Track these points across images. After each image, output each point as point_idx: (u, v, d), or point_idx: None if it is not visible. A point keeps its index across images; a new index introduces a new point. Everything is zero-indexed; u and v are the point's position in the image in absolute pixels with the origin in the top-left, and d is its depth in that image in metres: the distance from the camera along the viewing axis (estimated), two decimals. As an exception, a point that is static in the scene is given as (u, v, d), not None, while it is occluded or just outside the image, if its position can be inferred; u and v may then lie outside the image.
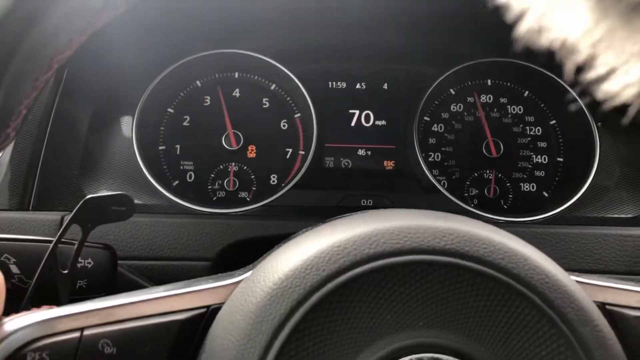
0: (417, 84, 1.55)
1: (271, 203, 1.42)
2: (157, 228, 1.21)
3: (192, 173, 1.52)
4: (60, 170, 1.33)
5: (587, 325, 0.57)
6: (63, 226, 0.80)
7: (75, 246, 0.83)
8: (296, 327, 0.54)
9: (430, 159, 1.57)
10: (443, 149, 1.58)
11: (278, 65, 1.51)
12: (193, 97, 1.56)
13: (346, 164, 1.56)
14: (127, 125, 1.44)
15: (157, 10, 1.32)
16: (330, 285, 0.56)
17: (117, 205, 0.85)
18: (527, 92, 1.60)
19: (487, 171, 1.56)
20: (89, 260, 0.93)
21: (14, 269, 0.87)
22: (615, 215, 1.42)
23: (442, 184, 1.54)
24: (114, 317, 0.60)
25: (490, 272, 0.57)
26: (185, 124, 1.54)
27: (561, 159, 1.56)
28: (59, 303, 0.80)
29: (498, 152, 1.55)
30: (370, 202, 1.49)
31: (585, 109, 1.49)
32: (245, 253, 0.89)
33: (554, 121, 1.58)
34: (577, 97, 1.50)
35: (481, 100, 1.60)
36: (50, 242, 0.80)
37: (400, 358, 0.55)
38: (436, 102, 1.59)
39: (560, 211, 1.42)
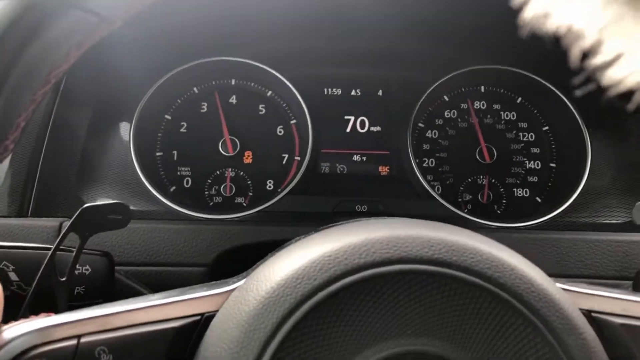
0: (411, 90, 1.56)
1: (267, 209, 1.43)
2: (154, 234, 1.22)
3: (189, 179, 1.54)
4: (58, 177, 1.34)
5: (572, 334, 0.58)
6: (61, 234, 0.81)
7: (74, 254, 0.84)
8: (288, 335, 0.56)
9: (424, 165, 1.58)
10: (437, 154, 1.59)
11: (274, 72, 1.53)
12: (190, 104, 1.57)
13: (341, 169, 1.57)
14: (125, 132, 1.46)
15: (154, 18, 1.33)
16: (321, 295, 0.57)
17: (114, 213, 0.86)
18: (520, 99, 1.62)
19: (481, 177, 1.57)
20: (87, 267, 0.94)
21: (13, 276, 0.88)
22: (607, 221, 1.43)
23: (436, 189, 1.55)
24: (110, 325, 0.61)
25: (477, 281, 0.58)
26: (182, 130, 1.56)
27: (554, 165, 1.58)
28: (57, 310, 0.81)
29: (491, 157, 1.56)
30: (364, 208, 1.50)
31: (576, 114, 1.51)
32: (241, 259, 0.90)
33: (546, 127, 1.60)
34: (567, 102, 1.52)
35: (475, 106, 1.61)
36: (48, 249, 0.81)
37: (390, 365, 0.57)
38: (430, 109, 1.61)
39: (553, 217, 1.43)
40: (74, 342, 0.59)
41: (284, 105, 1.58)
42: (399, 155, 1.56)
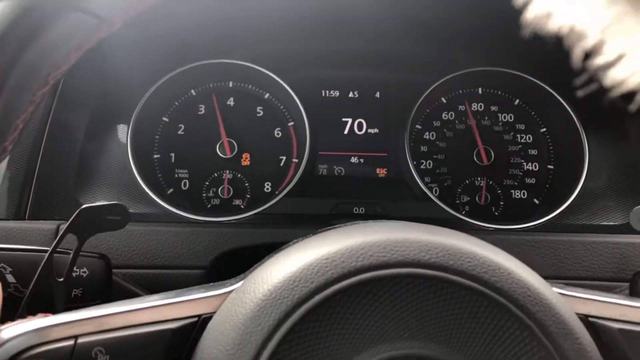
0: (409, 92, 1.57)
1: (265, 211, 1.43)
2: (152, 237, 1.22)
3: (187, 181, 1.54)
4: (56, 179, 1.34)
5: (568, 338, 0.58)
6: (59, 235, 0.81)
7: (71, 255, 0.84)
8: (284, 338, 0.56)
9: (422, 167, 1.58)
10: (435, 156, 1.59)
11: (271, 74, 1.53)
12: (188, 106, 1.57)
13: (339, 171, 1.57)
14: (122, 134, 1.46)
15: (152, 21, 1.33)
16: (318, 297, 0.57)
17: (112, 214, 0.86)
18: (517, 100, 1.62)
19: (479, 178, 1.58)
20: (84, 269, 0.94)
21: (10, 278, 0.88)
22: (604, 223, 1.43)
23: (433, 191, 1.55)
24: (108, 326, 0.61)
25: (474, 285, 0.58)
26: (180, 132, 1.56)
27: (551, 167, 1.58)
28: (54, 311, 0.81)
29: (489, 159, 1.57)
30: (362, 210, 1.51)
31: (574, 116, 1.51)
32: (239, 261, 0.90)
33: (544, 129, 1.60)
34: (565, 104, 1.52)
35: (472, 108, 1.62)
36: (46, 251, 0.81)
37: (386, 368, 0.57)
38: (428, 110, 1.61)
39: (550, 218, 1.44)
40: (71, 342, 0.59)
41: (282, 107, 1.58)
42: (397, 157, 1.56)
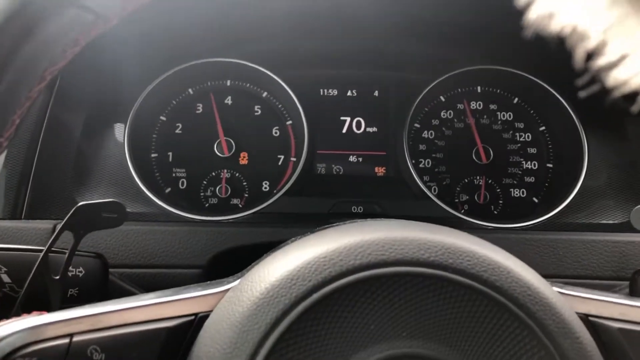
0: (407, 91, 1.56)
1: (263, 210, 1.43)
2: (149, 236, 1.22)
3: (185, 180, 1.53)
4: (52, 179, 1.33)
5: (568, 337, 0.58)
6: (55, 232, 0.81)
7: (67, 252, 0.83)
8: (281, 336, 0.55)
9: (420, 166, 1.58)
10: (433, 155, 1.59)
11: (269, 73, 1.52)
12: (185, 105, 1.57)
13: (337, 170, 1.57)
14: (120, 133, 1.45)
15: (149, 19, 1.32)
16: (315, 296, 0.57)
17: (108, 212, 0.86)
18: (516, 99, 1.61)
19: (477, 177, 1.57)
20: (80, 269, 0.93)
21: (5, 278, 0.87)
22: (604, 221, 1.43)
23: (432, 190, 1.55)
24: (103, 324, 0.60)
25: (474, 284, 0.58)
26: (177, 131, 1.55)
27: (551, 165, 1.57)
28: (50, 310, 0.81)
29: (488, 158, 1.56)
30: (360, 209, 1.50)
31: (573, 115, 1.51)
32: (236, 261, 0.89)
33: (543, 127, 1.59)
34: (564, 102, 1.52)
35: (471, 107, 1.61)
36: (41, 251, 0.81)
37: (384, 367, 0.56)
38: (426, 109, 1.60)
39: (549, 217, 1.43)
40: (66, 340, 0.58)
41: (280, 106, 1.58)
42: (395, 156, 1.55)
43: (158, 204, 1.38)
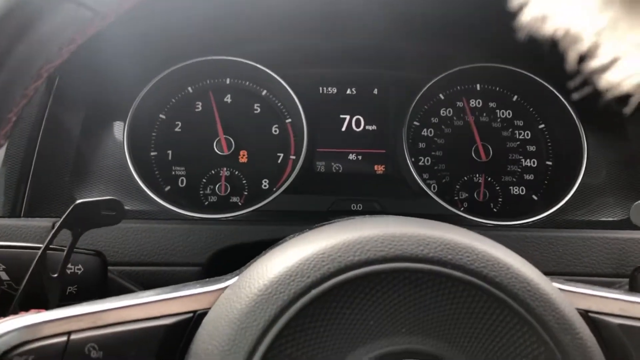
0: (407, 88, 1.56)
1: (262, 208, 1.42)
2: (148, 234, 1.21)
3: (184, 178, 1.53)
4: (51, 177, 1.33)
5: (568, 333, 0.58)
6: (54, 230, 0.80)
7: (65, 250, 0.83)
8: (280, 333, 0.55)
9: (420, 163, 1.58)
10: (433, 153, 1.59)
11: (269, 71, 1.52)
12: (185, 103, 1.56)
13: (337, 168, 1.57)
14: (119, 131, 1.45)
15: (148, 17, 1.32)
16: (314, 292, 0.56)
17: (107, 209, 0.85)
18: (515, 97, 1.61)
19: (477, 175, 1.57)
20: (79, 266, 0.93)
21: (4, 275, 0.87)
22: (603, 219, 1.43)
23: (432, 188, 1.55)
24: (101, 322, 0.60)
25: (473, 280, 0.58)
26: (177, 129, 1.55)
27: (550, 163, 1.57)
28: (48, 308, 0.81)
29: (487, 156, 1.56)
30: (360, 207, 1.50)
31: (572, 112, 1.51)
32: (236, 258, 0.89)
33: (542, 125, 1.59)
34: (563, 100, 1.52)
35: (470, 104, 1.61)
36: (39, 248, 0.81)
37: (383, 364, 0.56)
38: (426, 107, 1.60)
39: (549, 214, 1.43)
40: (64, 338, 0.58)
41: (279, 104, 1.58)
42: (395, 154, 1.55)
43: (157, 202, 1.38)
